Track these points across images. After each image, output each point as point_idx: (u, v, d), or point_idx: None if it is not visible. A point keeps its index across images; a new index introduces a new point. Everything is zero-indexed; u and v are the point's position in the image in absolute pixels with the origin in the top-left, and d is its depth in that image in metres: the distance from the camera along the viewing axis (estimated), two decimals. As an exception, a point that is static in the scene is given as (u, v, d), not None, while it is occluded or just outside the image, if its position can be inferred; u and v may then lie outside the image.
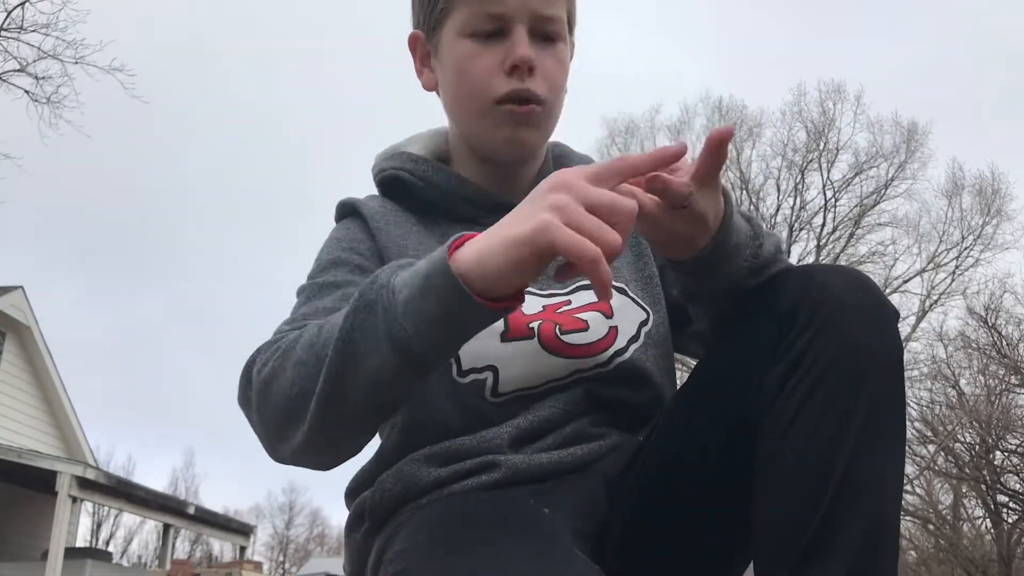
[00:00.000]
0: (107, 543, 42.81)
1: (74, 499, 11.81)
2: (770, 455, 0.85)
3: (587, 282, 0.99)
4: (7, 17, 12.91)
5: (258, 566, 16.92)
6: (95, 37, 13.21)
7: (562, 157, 1.24)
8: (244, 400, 0.95)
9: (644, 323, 1.10)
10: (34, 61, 13.18)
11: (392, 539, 0.99)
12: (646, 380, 1.08)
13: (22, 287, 14.71)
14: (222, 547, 41.57)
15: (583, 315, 1.08)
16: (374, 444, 1.11)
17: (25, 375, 14.94)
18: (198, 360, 78.81)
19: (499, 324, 1.03)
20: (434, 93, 1.18)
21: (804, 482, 0.82)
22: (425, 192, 1.16)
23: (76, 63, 13.18)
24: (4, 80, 13.15)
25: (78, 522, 16.70)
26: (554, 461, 1.01)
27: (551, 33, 1.07)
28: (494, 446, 1.02)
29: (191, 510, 14.98)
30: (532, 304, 1.07)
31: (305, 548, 55.87)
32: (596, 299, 0.97)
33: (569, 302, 1.09)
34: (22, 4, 12.91)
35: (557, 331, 1.05)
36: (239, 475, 74.08)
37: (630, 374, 1.07)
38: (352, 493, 1.14)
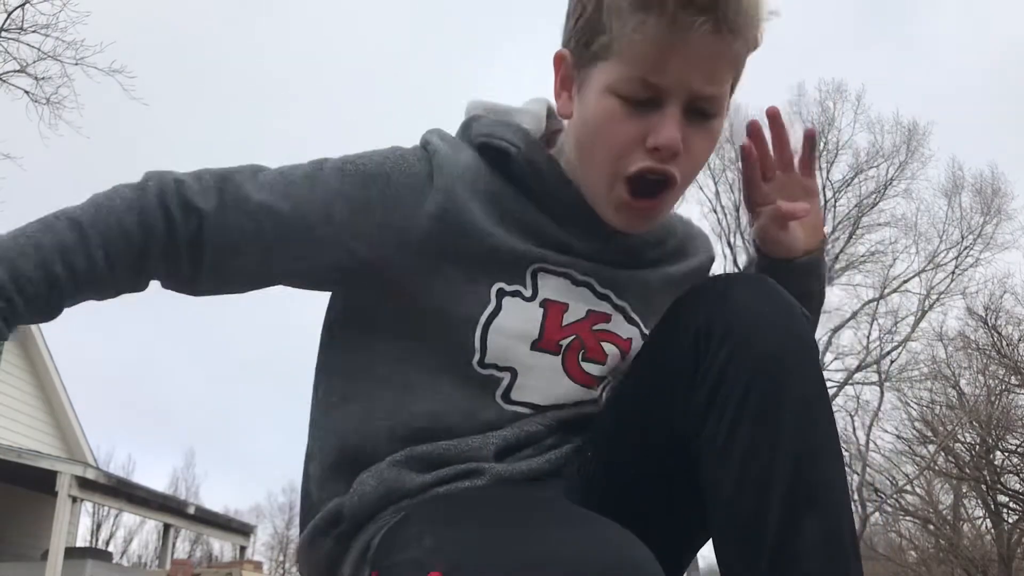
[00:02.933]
0: (107, 543, 42.82)
1: (74, 499, 11.81)
2: (714, 481, 0.88)
3: (632, 312, 1.09)
4: (7, 18, 12.92)
5: (258, 566, 16.92)
6: (95, 38, 13.22)
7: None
8: None
9: None
10: (34, 62, 13.19)
11: (390, 540, 0.95)
12: None
13: (22, 287, 14.69)
14: (222, 547, 41.58)
15: (608, 346, 1.06)
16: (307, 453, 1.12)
17: (25, 375, 14.94)
18: (198, 360, 78.87)
19: (534, 329, 1.01)
20: (563, 118, 1.10)
21: (754, 499, 0.84)
22: (525, 178, 1.05)
23: (76, 64, 13.20)
24: (4, 81, 13.16)
25: (78, 522, 16.70)
26: (533, 468, 1.02)
27: (708, 111, 0.98)
28: (480, 456, 1.00)
29: (191, 510, 14.97)
30: (578, 306, 1.05)
31: (305, 548, 55.67)
32: (622, 335, 1.08)
33: (609, 319, 1.07)
34: (22, 5, 12.92)
35: (580, 357, 1.04)
36: (239, 475, 74.11)
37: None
38: (313, 497, 1.08)
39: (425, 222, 1.00)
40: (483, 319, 1.00)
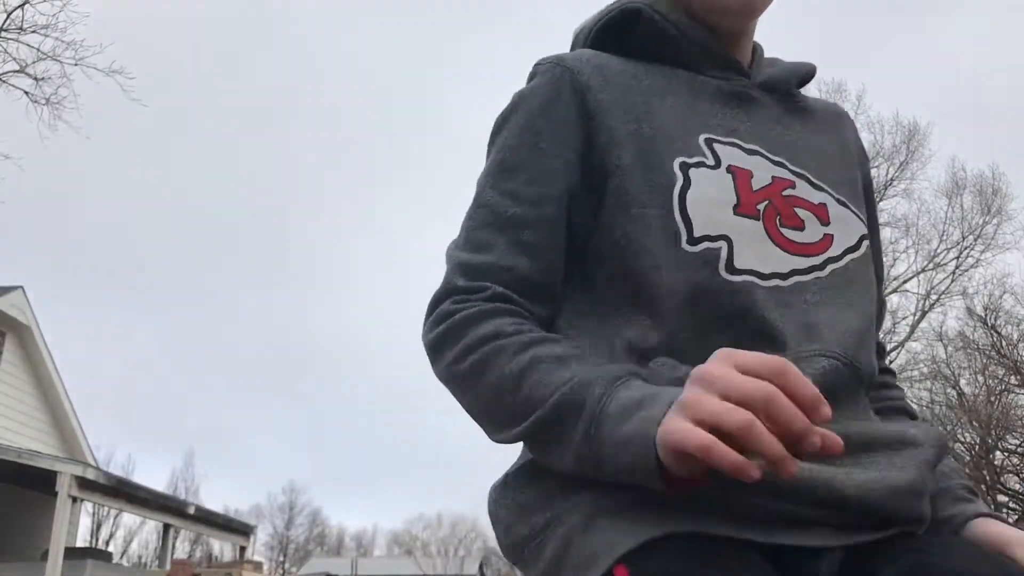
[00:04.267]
0: (107, 543, 42.82)
1: (74, 499, 11.82)
2: None
3: (815, 178, 1.02)
4: (7, 18, 12.93)
5: (258, 566, 16.93)
6: (95, 39, 13.22)
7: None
8: (433, 365, 0.96)
9: (865, 237, 1.02)
10: (34, 62, 13.20)
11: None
12: (863, 293, 0.99)
13: (22, 287, 14.72)
14: (222, 547, 41.58)
15: (802, 212, 0.98)
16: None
17: (25, 375, 14.94)
18: (198, 360, 78.76)
19: (730, 194, 0.95)
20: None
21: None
22: (657, 32, 1.05)
23: (76, 65, 13.20)
24: (4, 81, 13.16)
25: (78, 522, 16.71)
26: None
27: None
28: None
29: (191, 510, 14.98)
30: (761, 173, 0.98)
31: (305, 548, 55.86)
32: (813, 200, 0.99)
33: (794, 184, 1.00)
34: (22, 5, 12.92)
35: (778, 221, 0.96)
36: (239, 475, 74.09)
37: (845, 284, 0.97)
38: None
39: (584, 126, 0.99)
40: (676, 194, 0.94)
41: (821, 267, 0.96)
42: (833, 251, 0.98)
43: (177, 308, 76.27)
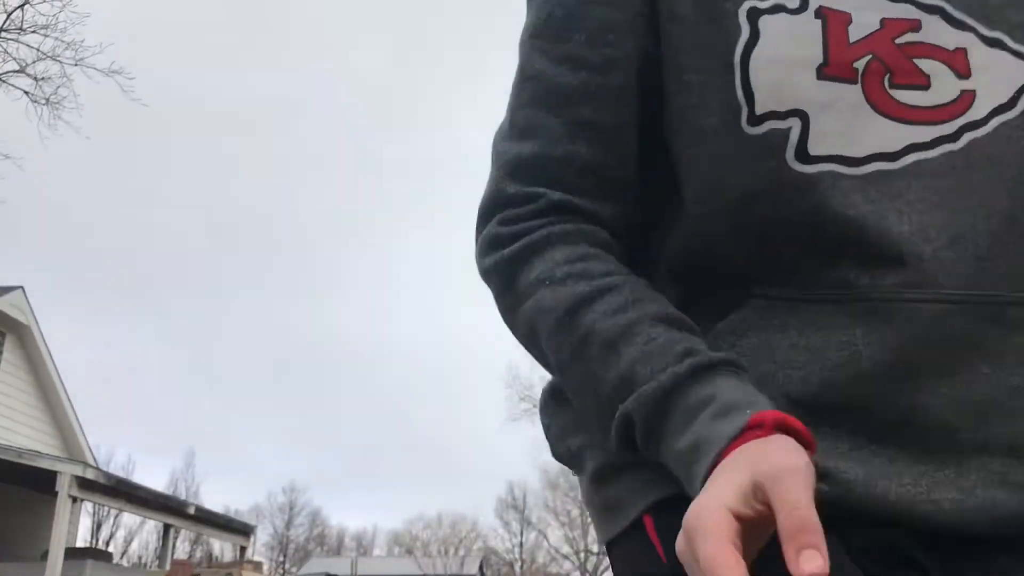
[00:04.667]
0: (107, 543, 42.85)
1: (74, 499, 11.84)
2: None
3: (955, 9, 0.72)
4: (7, 18, 12.95)
5: (258, 566, 16.95)
6: (95, 40, 13.25)
7: None
8: (484, 279, 0.79)
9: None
10: (33, 62, 13.22)
11: None
12: (1020, 172, 0.69)
13: (22, 287, 14.74)
14: (222, 547, 41.59)
15: (925, 63, 0.71)
16: None
17: (25, 375, 14.96)
18: (199, 360, 78.80)
19: (815, 48, 0.70)
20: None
21: None
22: None
23: (76, 65, 13.22)
24: (3, 81, 13.18)
25: (78, 522, 16.72)
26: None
27: None
28: None
29: (191, 510, 15.00)
30: (866, 14, 0.71)
31: (305, 548, 55.89)
32: (947, 44, 0.71)
33: (918, 25, 0.71)
34: (22, 5, 12.94)
35: (887, 81, 0.70)
36: (239, 475, 74.13)
37: (990, 160, 0.69)
38: None
39: None
40: (738, 54, 0.71)
41: (953, 137, 0.69)
42: (974, 113, 0.70)
43: (177, 308, 76.39)
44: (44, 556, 12.02)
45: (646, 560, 0.69)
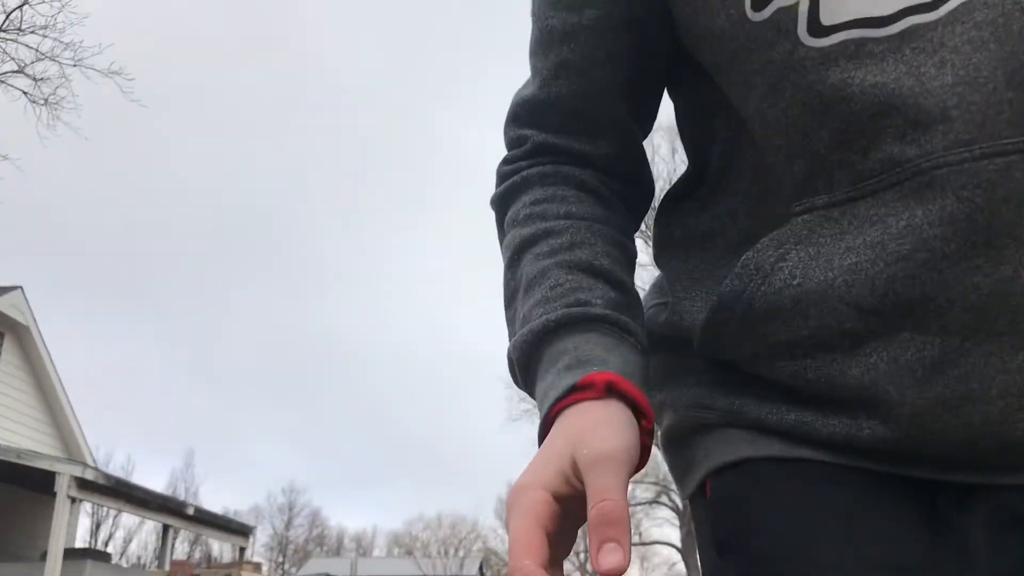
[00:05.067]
0: (106, 544, 42.83)
1: (73, 499, 11.83)
2: None
3: None
4: (6, 19, 12.94)
5: (257, 567, 16.94)
6: (95, 40, 13.26)
7: None
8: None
9: None
10: (32, 63, 13.22)
11: None
12: None
13: (21, 287, 14.74)
14: (221, 548, 41.59)
15: None
16: None
17: (24, 375, 14.95)
18: (199, 360, 78.78)
19: None
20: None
21: None
22: None
23: (75, 65, 13.22)
24: (2, 81, 13.18)
25: (77, 523, 16.72)
26: None
27: None
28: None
29: (190, 511, 14.99)
30: None
31: (304, 549, 55.86)
32: None
33: None
34: (21, 6, 12.94)
35: None
36: (238, 476, 74.11)
37: None
38: None
39: None
40: None
41: None
42: None
43: (177, 308, 76.37)
44: (43, 556, 12.02)
45: (705, 525, 0.68)
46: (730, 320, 0.65)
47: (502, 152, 0.81)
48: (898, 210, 0.56)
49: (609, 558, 0.47)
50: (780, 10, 0.60)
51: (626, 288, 0.68)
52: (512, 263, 0.71)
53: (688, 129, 0.78)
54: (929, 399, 0.56)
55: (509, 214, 0.75)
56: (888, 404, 0.58)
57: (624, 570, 0.47)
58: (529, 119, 0.77)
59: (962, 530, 0.59)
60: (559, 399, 0.57)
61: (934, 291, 0.55)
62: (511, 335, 0.68)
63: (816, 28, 0.59)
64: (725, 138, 0.69)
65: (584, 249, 0.68)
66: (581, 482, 0.52)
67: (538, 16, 0.76)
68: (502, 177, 0.78)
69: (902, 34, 0.57)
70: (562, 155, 0.75)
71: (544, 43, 0.75)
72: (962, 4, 0.56)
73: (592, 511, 0.49)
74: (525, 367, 0.65)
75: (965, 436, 0.57)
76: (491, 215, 0.80)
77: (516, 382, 0.68)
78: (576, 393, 0.57)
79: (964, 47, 0.55)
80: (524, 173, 0.75)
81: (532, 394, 0.65)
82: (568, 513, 0.53)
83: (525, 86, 0.78)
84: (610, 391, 0.56)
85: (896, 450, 0.59)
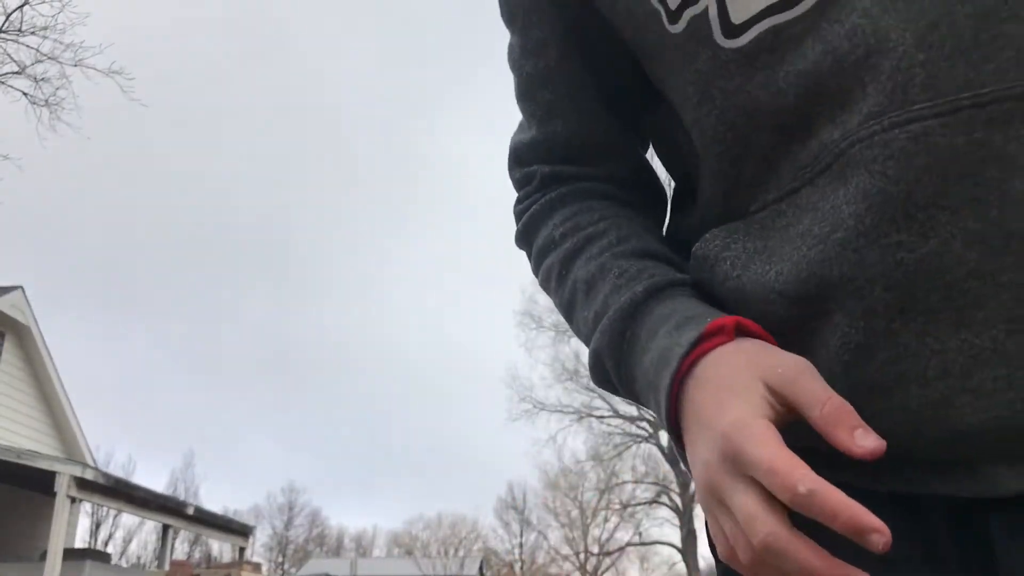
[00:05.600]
0: (106, 544, 42.83)
1: (73, 499, 11.83)
2: None
3: None
4: (6, 20, 12.96)
5: (257, 567, 16.93)
6: (95, 40, 13.27)
7: None
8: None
9: None
10: (33, 63, 13.23)
11: None
12: None
13: (22, 287, 14.75)
14: (221, 548, 41.60)
15: None
16: None
17: (24, 375, 14.96)
18: (199, 360, 78.79)
19: None
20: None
21: None
22: None
23: (75, 66, 13.23)
24: (2, 82, 13.19)
25: (77, 523, 16.72)
26: None
27: None
28: None
29: (190, 511, 15.00)
30: None
31: (304, 549, 55.85)
32: None
33: None
34: (21, 7, 12.95)
35: None
36: (238, 476, 74.10)
37: None
38: None
39: None
40: None
41: None
42: None
43: (177, 309, 76.37)
44: (43, 556, 12.02)
45: None
46: None
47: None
48: (827, 195, 0.54)
49: (868, 437, 0.47)
50: (693, 19, 0.59)
51: (683, 269, 0.68)
52: (561, 278, 0.72)
53: (658, 146, 0.80)
54: (857, 384, 0.53)
55: (539, 242, 0.76)
56: None
57: (884, 448, 0.47)
58: (532, 157, 0.80)
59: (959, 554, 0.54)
60: (691, 348, 0.55)
61: (852, 271, 0.52)
62: (587, 336, 0.67)
63: (729, 29, 0.58)
64: (689, 151, 0.68)
65: (633, 241, 0.70)
66: (781, 405, 0.51)
67: (514, 66, 0.80)
68: (520, 214, 0.80)
69: (816, 6, 0.54)
70: (572, 179, 0.78)
71: (527, 90, 0.79)
72: None
73: (826, 409, 0.48)
74: (619, 349, 0.63)
75: (904, 422, 0.52)
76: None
77: (600, 380, 0.67)
78: (706, 342, 0.55)
79: (873, 8, 0.52)
80: (542, 202, 0.77)
81: (631, 380, 0.63)
82: None
83: (520, 131, 0.82)
84: (739, 331, 0.56)
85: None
